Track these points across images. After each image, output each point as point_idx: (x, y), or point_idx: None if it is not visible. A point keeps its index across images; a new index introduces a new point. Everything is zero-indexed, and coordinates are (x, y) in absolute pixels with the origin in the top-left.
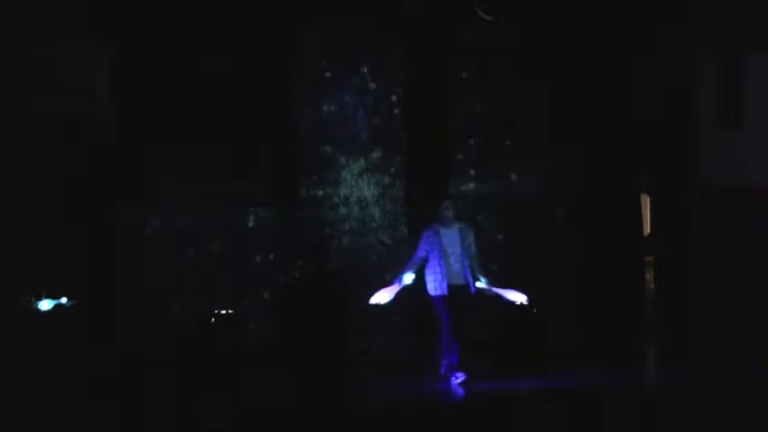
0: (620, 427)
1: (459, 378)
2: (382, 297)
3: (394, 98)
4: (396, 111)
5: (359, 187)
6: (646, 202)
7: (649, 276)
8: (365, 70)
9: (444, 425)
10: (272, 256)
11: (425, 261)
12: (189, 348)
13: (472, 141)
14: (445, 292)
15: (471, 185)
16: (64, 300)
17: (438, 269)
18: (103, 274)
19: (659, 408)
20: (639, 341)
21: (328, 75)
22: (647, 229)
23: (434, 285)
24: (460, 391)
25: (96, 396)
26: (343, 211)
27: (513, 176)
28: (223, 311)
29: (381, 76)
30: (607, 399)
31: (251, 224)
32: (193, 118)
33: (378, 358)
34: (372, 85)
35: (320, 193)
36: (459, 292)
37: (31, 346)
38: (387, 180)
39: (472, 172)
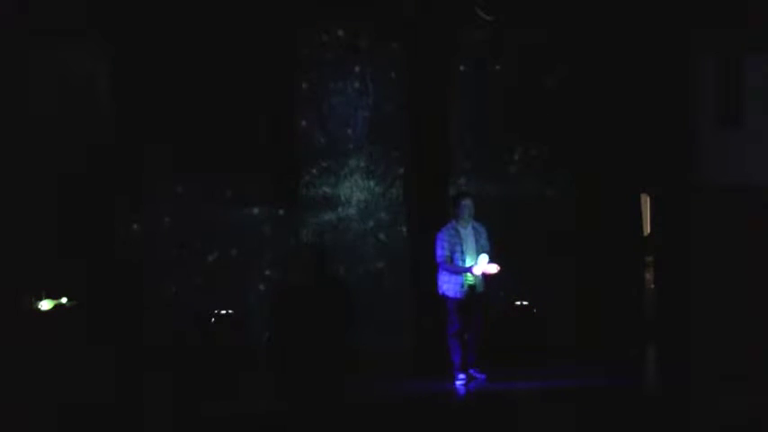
0: (620, 427)
1: (478, 378)
2: (491, 267)
3: (394, 98)
4: (396, 111)
5: (359, 187)
6: (646, 202)
7: (649, 276)
8: (365, 70)
9: (444, 425)
10: (271, 256)
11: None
12: (189, 348)
13: (472, 141)
14: (460, 295)
15: (471, 185)
16: (64, 300)
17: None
18: (103, 274)
19: (659, 408)
20: (639, 341)
21: (328, 75)
22: (647, 229)
23: (453, 287)
24: (460, 391)
25: (96, 396)
26: (342, 211)
27: (513, 176)
28: (223, 311)
29: (381, 76)
30: (607, 399)
31: (251, 224)
32: (193, 118)
33: (378, 357)
34: (372, 86)
35: (320, 192)
36: (474, 293)
37: (31, 346)
38: (386, 180)
39: (472, 172)
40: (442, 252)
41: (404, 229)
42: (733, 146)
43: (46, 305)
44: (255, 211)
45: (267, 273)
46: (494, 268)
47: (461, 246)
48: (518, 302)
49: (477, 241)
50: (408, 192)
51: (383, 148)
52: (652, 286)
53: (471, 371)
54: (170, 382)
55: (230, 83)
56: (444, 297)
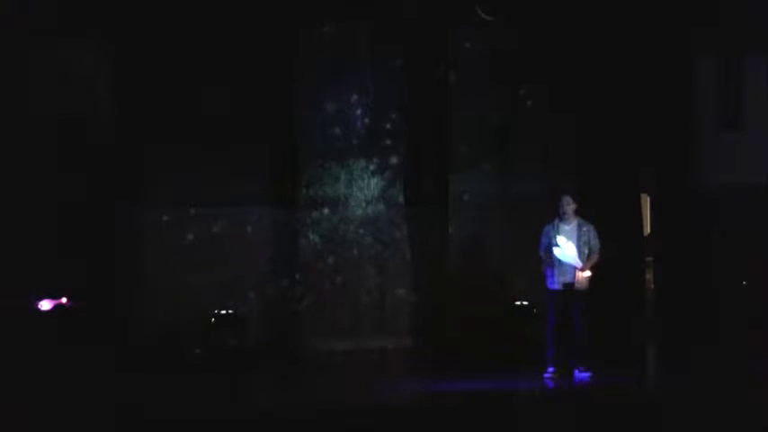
0: (620, 427)
1: (581, 377)
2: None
3: (394, 98)
4: (396, 111)
5: (359, 187)
6: (646, 202)
7: (649, 276)
8: (365, 71)
9: (444, 425)
10: (272, 256)
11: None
12: (189, 348)
13: (472, 141)
14: (557, 286)
15: (471, 185)
16: (64, 300)
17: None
18: (103, 274)
19: (659, 409)
20: (639, 340)
21: (328, 75)
22: (647, 229)
23: (550, 279)
24: (548, 385)
25: (96, 396)
26: (342, 210)
27: (514, 176)
28: (223, 311)
29: (381, 75)
30: (607, 398)
31: (251, 224)
32: (193, 118)
33: (378, 357)
34: (372, 86)
35: (320, 193)
36: (570, 289)
37: (31, 346)
38: (386, 180)
39: (472, 172)
40: (540, 246)
41: (404, 229)
42: (733, 146)
43: (46, 305)
44: (256, 210)
45: (268, 273)
46: (571, 249)
47: (554, 240)
48: (518, 302)
49: (579, 238)
50: (408, 191)
51: (383, 149)
52: (652, 286)
53: (575, 371)
54: (171, 383)
55: (230, 83)
56: (546, 290)
